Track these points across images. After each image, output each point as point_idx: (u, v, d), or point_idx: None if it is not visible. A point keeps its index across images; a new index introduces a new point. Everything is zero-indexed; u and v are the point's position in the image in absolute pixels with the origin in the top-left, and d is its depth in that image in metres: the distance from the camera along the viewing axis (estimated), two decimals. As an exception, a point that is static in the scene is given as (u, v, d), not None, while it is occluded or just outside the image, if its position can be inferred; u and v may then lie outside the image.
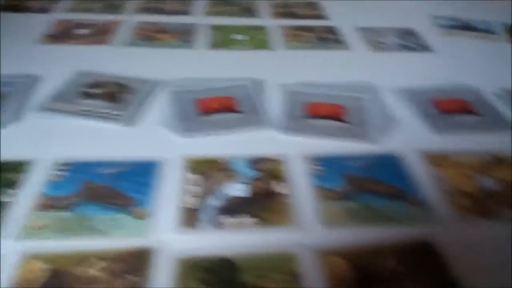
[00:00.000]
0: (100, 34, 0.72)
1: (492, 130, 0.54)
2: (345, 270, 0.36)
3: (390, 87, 0.61)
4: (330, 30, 0.77)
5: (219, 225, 0.40)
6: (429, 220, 0.41)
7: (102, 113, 0.52)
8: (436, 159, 0.49)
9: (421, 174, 0.47)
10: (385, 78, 0.63)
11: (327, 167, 0.47)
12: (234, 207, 0.42)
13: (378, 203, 0.43)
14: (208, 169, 0.46)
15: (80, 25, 0.75)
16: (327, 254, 0.37)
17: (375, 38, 0.75)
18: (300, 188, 0.44)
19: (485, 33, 0.78)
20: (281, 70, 0.65)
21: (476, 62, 0.70)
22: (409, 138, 0.52)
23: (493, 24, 0.81)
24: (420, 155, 0.49)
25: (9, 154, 0.47)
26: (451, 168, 0.47)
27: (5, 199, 0.41)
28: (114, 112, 0.53)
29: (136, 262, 0.36)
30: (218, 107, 0.55)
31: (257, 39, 0.73)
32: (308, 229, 0.40)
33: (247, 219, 0.40)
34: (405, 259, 0.37)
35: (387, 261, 0.37)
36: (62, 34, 0.72)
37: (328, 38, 0.74)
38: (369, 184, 0.45)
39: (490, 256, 0.38)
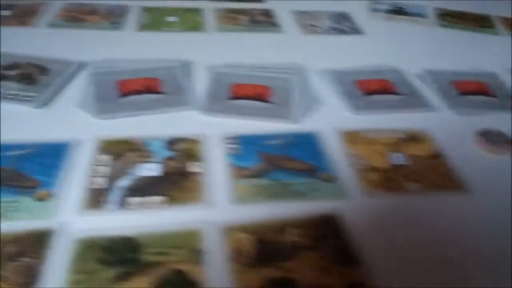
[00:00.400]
0: (23, 16, 0.69)
1: (410, 109, 0.55)
2: (248, 245, 0.36)
3: (318, 69, 0.61)
4: (266, 13, 0.77)
5: (125, 205, 0.39)
6: (337, 195, 0.42)
7: (14, 95, 0.50)
8: (353, 137, 0.49)
9: (336, 151, 0.47)
10: (314, 60, 0.64)
11: (245, 146, 0.47)
12: (143, 187, 0.41)
13: (290, 180, 0.43)
14: (120, 150, 0.45)
15: (4, 6, 0.71)
16: (232, 230, 0.37)
17: (309, 22, 0.75)
18: (215, 167, 0.44)
19: (417, 17, 0.80)
20: (211, 52, 0.65)
21: (404, 44, 0.71)
22: (330, 117, 0.53)
23: (425, 8, 0.83)
24: (338, 134, 0.50)
25: None
26: (366, 146, 0.48)
27: None
28: (28, 94, 0.51)
29: (33, 244, 0.35)
30: (140, 88, 0.54)
31: (190, 21, 0.72)
32: (217, 207, 0.40)
33: (156, 199, 0.40)
34: (309, 233, 0.38)
35: (291, 235, 0.38)
36: (-16, 16, 0.69)
37: (262, 21, 0.74)
38: (283, 161, 0.45)
39: (392, 229, 0.40)
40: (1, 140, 0.44)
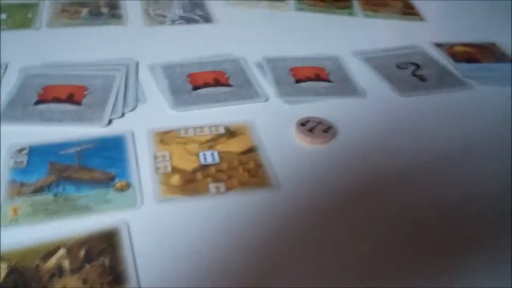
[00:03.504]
0: None
1: (239, 101, 0.52)
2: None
3: (150, 63, 0.57)
4: (110, 4, 0.70)
5: None
6: (128, 205, 0.38)
7: None
8: (166, 138, 0.46)
9: (144, 155, 0.44)
10: (151, 54, 0.59)
11: (34, 157, 0.42)
12: None
13: (77, 193, 0.39)
14: None
15: None
16: (-15, 261, 0.33)
17: (158, 11, 0.70)
18: (-8, 185, 0.39)
19: (275, 1, 0.78)
20: (34, 51, 0.58)
21: (254, 32, 0.68)
22: (148, 117, 0.49)
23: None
24: (151, 135, 0.46)
25: None
26: (178, 146, 0.45)
27: None
28: None
29: None
30: None
31: (19, 18, 0.65)
32: (-22, 234, 0.35)
33: None
34: (80, 254, 0.34)
35: (59, 258, 0.33)
36: None
37: (104, 13, 0.68)
38: (75, 172, 0.41)
39: (182, 237, 0.36)
40: None
